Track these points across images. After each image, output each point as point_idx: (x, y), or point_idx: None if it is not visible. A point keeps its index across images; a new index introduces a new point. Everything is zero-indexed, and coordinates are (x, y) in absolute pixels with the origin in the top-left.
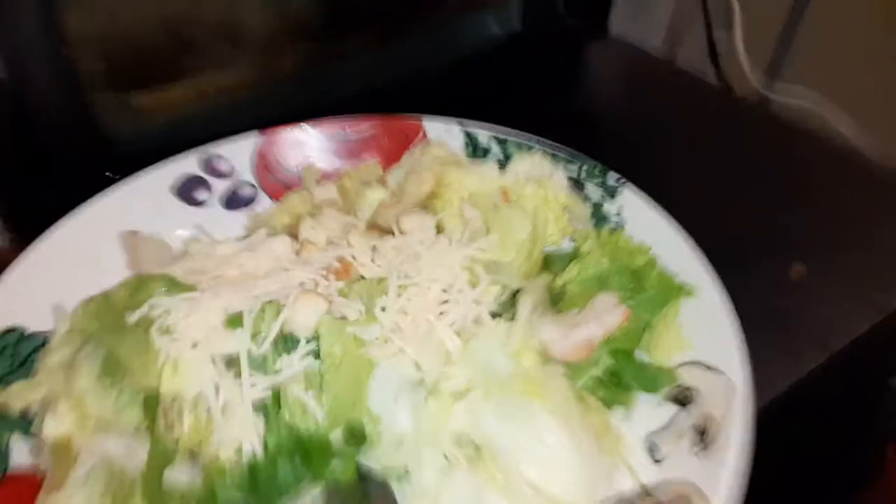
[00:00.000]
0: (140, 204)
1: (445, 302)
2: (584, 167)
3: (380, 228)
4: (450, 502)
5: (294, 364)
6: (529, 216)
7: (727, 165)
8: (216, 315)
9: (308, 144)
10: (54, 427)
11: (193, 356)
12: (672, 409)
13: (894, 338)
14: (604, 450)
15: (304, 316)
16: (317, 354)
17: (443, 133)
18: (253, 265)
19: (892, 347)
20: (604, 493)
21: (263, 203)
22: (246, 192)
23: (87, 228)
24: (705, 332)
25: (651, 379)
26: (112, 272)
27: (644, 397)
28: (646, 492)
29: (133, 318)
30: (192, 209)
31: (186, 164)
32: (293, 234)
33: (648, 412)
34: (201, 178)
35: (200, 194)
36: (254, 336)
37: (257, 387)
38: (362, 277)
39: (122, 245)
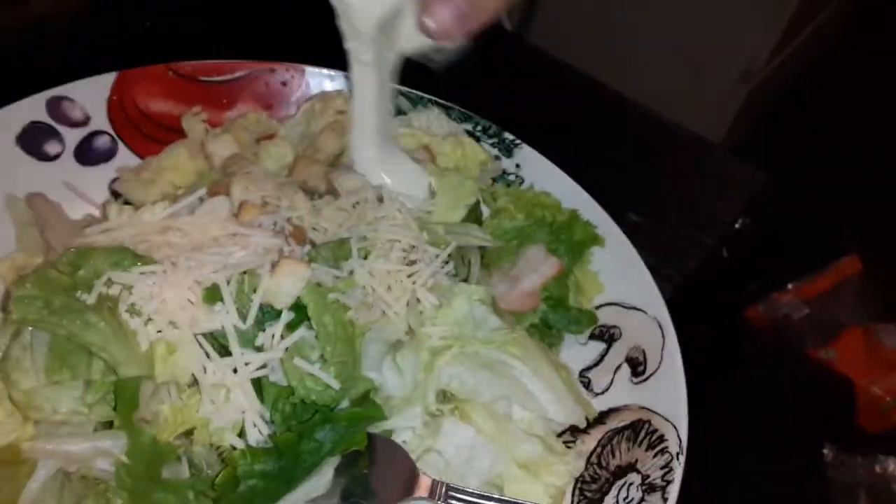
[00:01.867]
0: None
1: (411, 262)
2: (479, 125)
3: (302, 186)
4: (450, 454)
5: (282, 337)
6: (475, 183)
7: None
8: (189, 289)
9: (173, 87)
10: None
11: (178, 336)
12: (598, 346)
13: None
14: (566, 384)
15: (287, 285)
16: (296, 325)
17: (326, 83)
18: (198, 231)
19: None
20: (577, 417)
21: (125, 157)
22: (102, 143)
23: None
24: (617, 277)
25: (575, 321)
26: None
27: (569, 338)
28: (599, 420)
29: (91, 297)
30: (41, 165)
31: (30, 108)
32: (212, 192)
33: (577, 352)
34: (50, 126)
35: (52, 147)
36: (238, 310)
37: (252, 365)
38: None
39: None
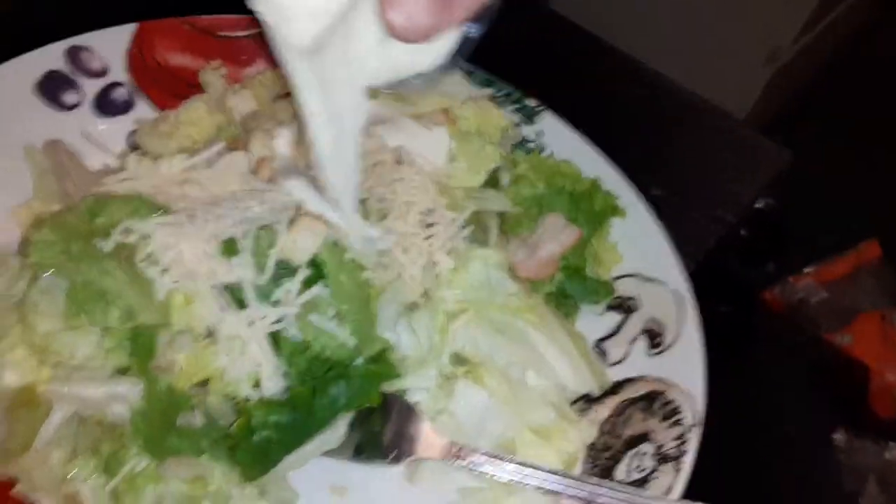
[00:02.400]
0: None
1: (429, 225)
2: (502, 90)
3: None
4: (463, 416)
5: (299, 293)
6: (497, 149)
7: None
8: (207, 242)
9: (193, 41)
10: (13, 378)
11: (194, 287)
12: (616, 317)
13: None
14: (581, 353)
15: (304, 241)
16: (312, 281)
17: None
18: (216, 185)
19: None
20: (591, 385)
21: (143, 110)
22: (120, 95)
23: None
24: (637, 248)
25: (592, 291)
26: None
27: (586, 308)
28: (613, 390)
29: (108, 245)
30: (59, 114)
31: (49, 57)
32: (231, 147)
33: (593, 322)
34: (69, 76)
35: (69, 97)
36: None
37: (267, 318)
38: None
39: (44, 155)
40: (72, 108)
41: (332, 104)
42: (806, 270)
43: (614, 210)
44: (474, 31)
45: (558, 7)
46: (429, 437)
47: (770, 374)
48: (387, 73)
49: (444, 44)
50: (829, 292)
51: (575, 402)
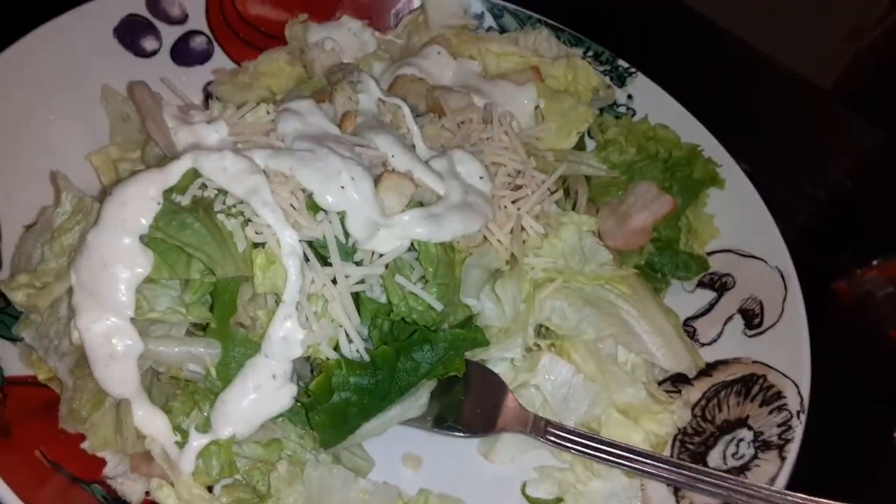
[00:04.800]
0: (73, 50)
1: (517, 188)
2: (591, 50)
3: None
4: (547, 390)
5: (384, 253)
6: (590, 109)
7: None
8: (292, 194)
9: None
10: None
11: (277, 242)
12: (708, 295)
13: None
14: (676, 330)
15: (391, 199)
16: None
17: None
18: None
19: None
20: (686, 365)
21: (219, 61)
22: (199, 44)
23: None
24: (734, 222)
25: (684, 266)
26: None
27: (675, 284)
28: (705, 371)
29: (185, 199)
30: (137, 61)
31: (129, 1)
32: (317, 100)
33: (683, 299)
34: (148, 21)
35: (149, 43)
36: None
37: (351, 277)
38: None
39: (127, 98)
40: (151, 54)
41: None
42: (874, 263)
43: (714, 179)
44: None
45: None
46: (513, 410)
47: (833, 367)
48: None
49: None
50: None
51: (661, 382)
